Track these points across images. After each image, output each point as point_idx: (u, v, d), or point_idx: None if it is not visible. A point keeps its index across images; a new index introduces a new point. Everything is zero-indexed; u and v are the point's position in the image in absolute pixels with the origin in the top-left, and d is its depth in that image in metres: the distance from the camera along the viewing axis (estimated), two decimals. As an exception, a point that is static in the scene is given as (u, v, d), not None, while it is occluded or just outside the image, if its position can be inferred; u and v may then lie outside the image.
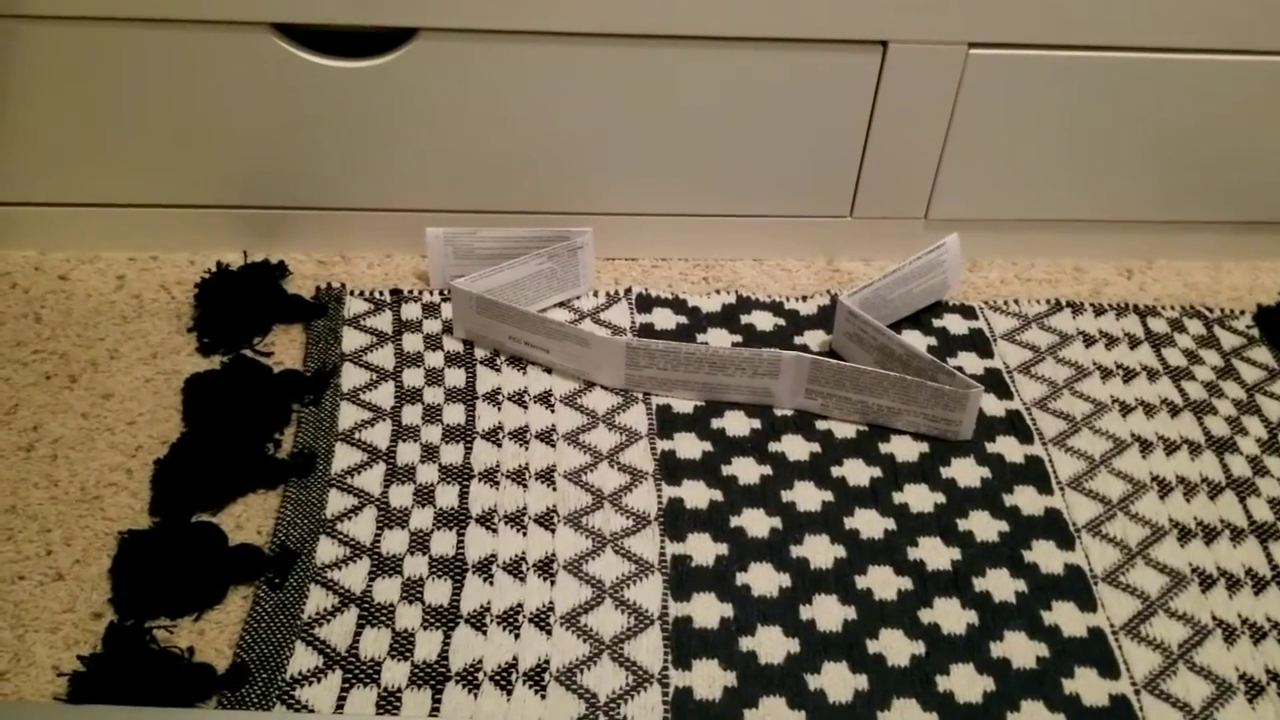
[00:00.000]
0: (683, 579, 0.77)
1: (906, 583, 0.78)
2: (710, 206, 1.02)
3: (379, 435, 0.86)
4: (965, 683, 0.72)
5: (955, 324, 0.99)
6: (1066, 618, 0.76)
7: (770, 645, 0.74)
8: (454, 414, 0.88)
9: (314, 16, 0.90)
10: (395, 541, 0.79)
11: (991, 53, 0.94)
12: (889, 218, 1.03)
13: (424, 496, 0.82)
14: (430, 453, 0.85)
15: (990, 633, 0.75)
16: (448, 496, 0.82)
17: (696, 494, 0.83)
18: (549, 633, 0.74)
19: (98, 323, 0.94)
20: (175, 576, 0.75)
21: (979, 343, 0.97)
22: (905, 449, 0.87)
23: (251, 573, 0.76)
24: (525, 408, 0.89)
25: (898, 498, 0.83)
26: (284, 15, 0.90)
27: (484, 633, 0.73)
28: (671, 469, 0.85)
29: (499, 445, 0.85)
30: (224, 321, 0.93)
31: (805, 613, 0.76)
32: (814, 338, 0.97)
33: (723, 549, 0.79)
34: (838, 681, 0.72)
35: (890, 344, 0.89)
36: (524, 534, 0.79)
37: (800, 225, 1.03)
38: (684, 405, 0.89)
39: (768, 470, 0.85)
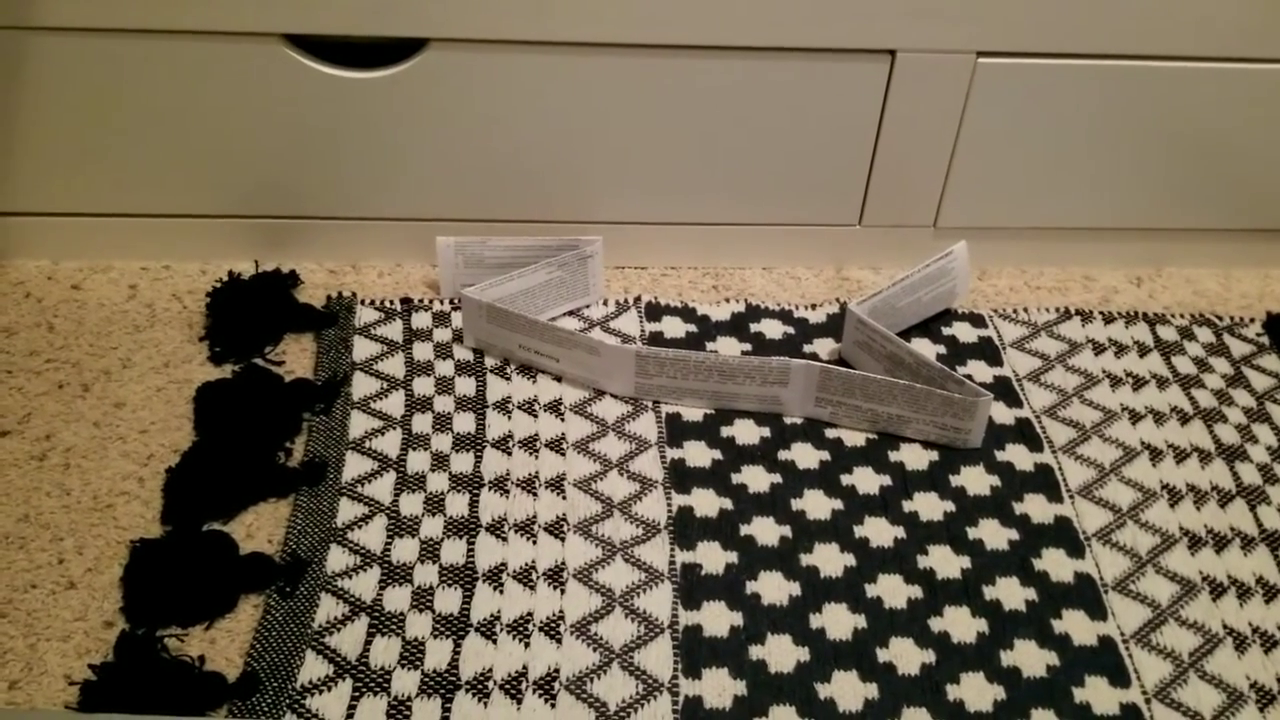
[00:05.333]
0: (692, 587, 0.77)
1: (916, 591, 0.78)
2: (719, 215, 1.02)
3: (389, 444, 0.86)
4: (975, 691, 0.72)
5: (964, 332, 0.99)
6: (1077, 626, 0.76)
7: (780, 654, 0.74)
8: (464, 422, 0.88)
9: (325, 27, 0.90)
10: (405, 550, 0.79)
11: (1000, 61, 0.95)
12: (898, 226, 1.03)
13: (434, 505, 0.82)
14: (440, 461, 0.85)
15: (1000, 641, 0.75)
16: (458, 505, 0.82)
17: (706, 502, 0.83)
18: (559, 641, 0.74)
19: (110, 332, 0.94)
20: (186, 585, 0.75)
21: (988, 351, 0.97)
22: (915, 457, 0.87)
23: (262, 581, 0.76)
24: (535, 416, 0.89)
25: (907, 506, 0.83)
26: (295, 26, 0.90)
27: (494, 641, 0.74)
28: (681, 477, 0.85)
29: (509, 454, 0.86)
30: (235, 331, 0.94)
31: (815, 621, 0.76)
32: (823, 346, 0.97)
33: (732, 557, 0.79)
34: (848, 690, 0.72)
35: (899, 352, 0.89)
36: (534, 542, 0.80)
37: (809, 234, 1.03)
38: (693, 413, 0.90)
39: (777, 478, 0.85)
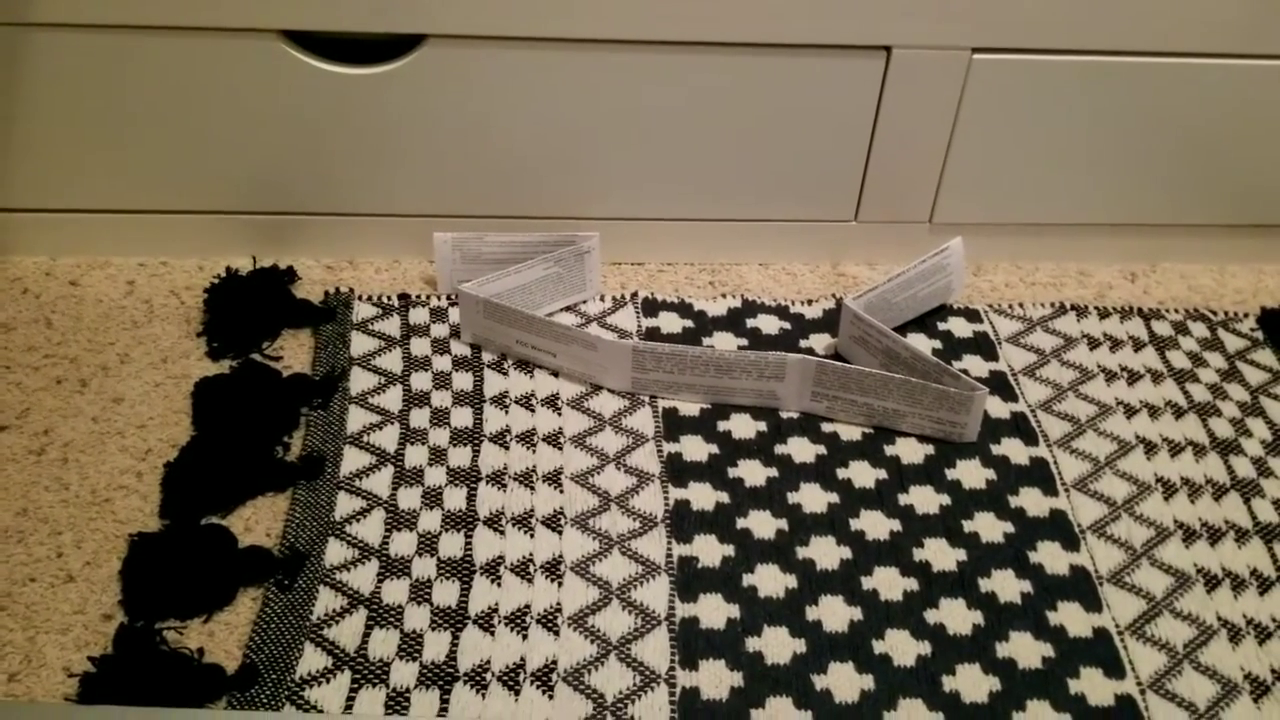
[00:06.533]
0: (689, 580, 0.78)
1: (912, 583, 0.78)
2: (716, 211, 1.02)
3: (387, 438, 0.86)
4: (971, 683, 0.73)
5: (960, 327, 0.99)
6: (1072, 618, 0.76)
7: (777, 646, 0.74)
8: (462, 417, 0.88)
9: (322, 24, 0.90)
10: (403, 543, 0.79)
11: (995, 58, 0.95)
12: (894, 222, 1.04)
13: (432, 499, 0.82)
14: (438, 455, 0.85)
15: (996, 633, 0.75)
16: (456, 499, 0.82)
17: (703, 496, 0.83)
18: (556, 633, 0.74)
19: (108, 328, 0.94)
20: (185, 578, 0.75)
21: (984, 346, 0.97)
22: (910, 451, 0.87)
23: (261, 574, 0.76)
24: (532, 411, 0.89)
25: (903, 499, 0.84)
26: (293, 22, 0.90)
27: (492, 633, 0.74)
28: (678, 471, 0.85)
29: (506, 448, 0.86)
30: (233, 326, 0.94)
31: (811, 613, 0.76)
32: (819, 341, 0.97)
33: (729, 550, 0.80)
34: (844, 682, 0.72)
35: (895, 347, 0.89)
36: (531, 536, 0.80)
37: (805, 229, 1.04)
38: (690, 408, 0.90)
39: (774, 472, 0.85)
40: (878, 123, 0.98)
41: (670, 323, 0.98)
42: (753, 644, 0.74)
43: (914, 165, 1.00)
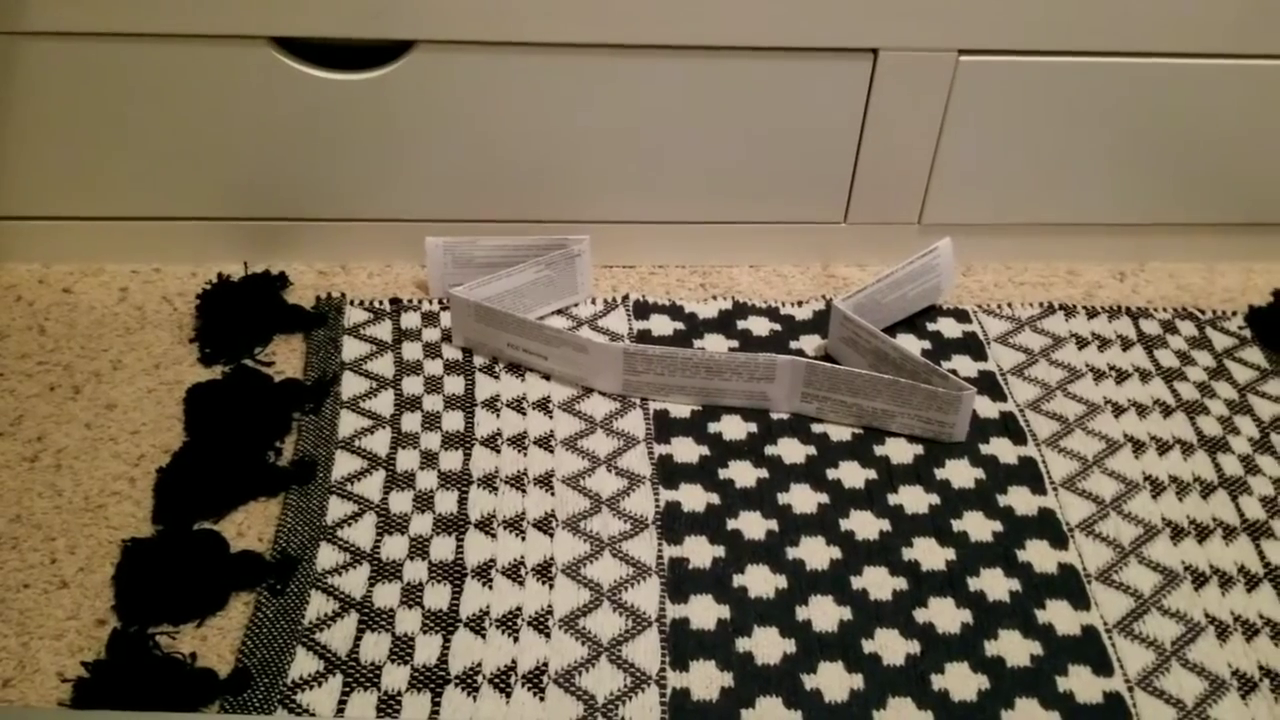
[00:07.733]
0: (680, 581, 0.78)
1: (901, 583, 0.78)
2: (706, 214, 1.03)
3: (379, 443, 0.87)
4: (960, 681, 0.73)
5: (949, 327, 0.99)
6: (1060, 616, 0.77)
7: (767, 646, 0.74)
8: (453, 421, 0.89)
9: (312, 30, 0.91)
10: (395, 547, 0.79)
11: (981, 59, 0.95)
12: (883, 223, 1.04)
13: (423, 502, 0.82)
14: (429, 459, 0.85)
15: (985, 632, 0.76)
16: (447, 502, 0.82)
17: (694, 497, 0.84)
18: (547, 635, 0.74)
19: (101, 334, 0.95)
20: (178, 583, 0.75)
21: (973, 346, 0.97)
22: (900, 451, 0.88)
23: (253, 579, 0.77)
24: (524, 414, 0.89)
25: (892, 499, 0.84)
26: (283, 29, 0.91)
27: (483, 636, 0.74)
28: (669, 473, 0.85)
29: (498, 451, 0.86)
30: (225, 332, 0.94)
31: (801, 613, 0.76)
32: (809, 342, 0.97)
33: (720, 551, 0.80)
34: (834, 681, 0.73)
35: (885, 348, 0.90)
36: (523, 538, 0.80)
37: (795, 231, 1.04)
38: (681, 410, 0.90)
39: (764, 473, 0.85)
40: (866, 125, 0.98)
41: (661, 325, 0.98)
42: (743, 644, 0.74)
43: (902, 167, 1.01)
